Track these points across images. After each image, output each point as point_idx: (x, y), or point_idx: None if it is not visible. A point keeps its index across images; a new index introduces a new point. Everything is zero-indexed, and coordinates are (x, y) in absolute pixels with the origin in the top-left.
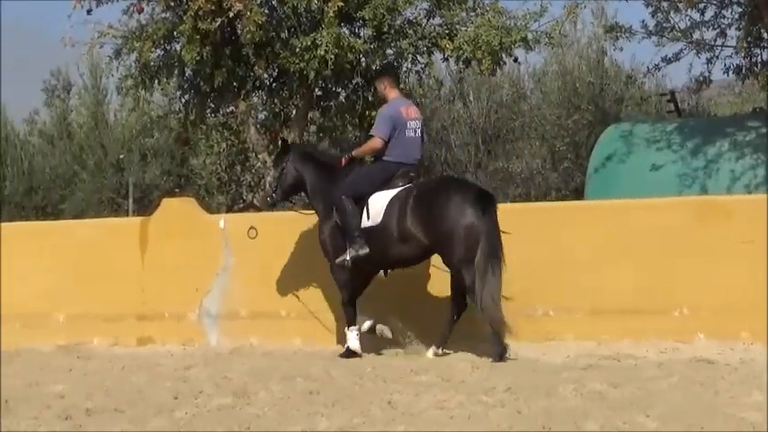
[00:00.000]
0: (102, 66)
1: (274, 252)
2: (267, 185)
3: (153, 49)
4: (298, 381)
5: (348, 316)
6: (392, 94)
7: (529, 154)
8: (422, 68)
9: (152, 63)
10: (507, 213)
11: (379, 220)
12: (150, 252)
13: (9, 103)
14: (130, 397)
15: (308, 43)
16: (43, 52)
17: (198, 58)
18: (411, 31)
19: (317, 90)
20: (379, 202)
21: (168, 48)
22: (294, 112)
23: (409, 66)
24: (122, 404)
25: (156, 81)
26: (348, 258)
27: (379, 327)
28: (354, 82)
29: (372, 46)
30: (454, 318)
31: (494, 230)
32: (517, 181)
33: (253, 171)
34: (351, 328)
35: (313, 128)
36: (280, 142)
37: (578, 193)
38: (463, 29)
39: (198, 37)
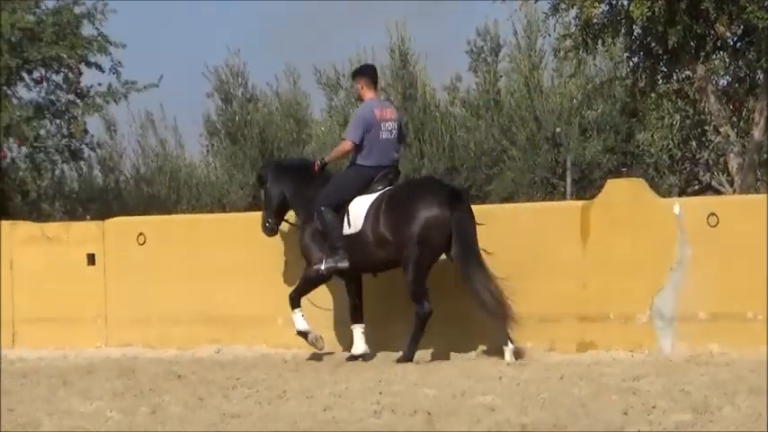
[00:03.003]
0: (538, 23)
1: (738, 242)
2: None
3: (596, 4)
4: None
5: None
6: (368, 94)
7: None
8: None
9: (595, 20)
10: None
11: (359, 226)
12: (592, 242)
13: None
14: (572, 412)
15: None
16: (469, 7)
17: (649, 13)
18: None
19: None
20: (358, 208)
21: (614, 2)
22: (762, 77)
23: None
24: (562, 420)
25: (600, 41)
26: (323, 268)
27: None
28: None
29: None
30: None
31: (464, 229)
32: None
33: (711, 147)
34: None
35: None
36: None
37: None
38: None
39: None
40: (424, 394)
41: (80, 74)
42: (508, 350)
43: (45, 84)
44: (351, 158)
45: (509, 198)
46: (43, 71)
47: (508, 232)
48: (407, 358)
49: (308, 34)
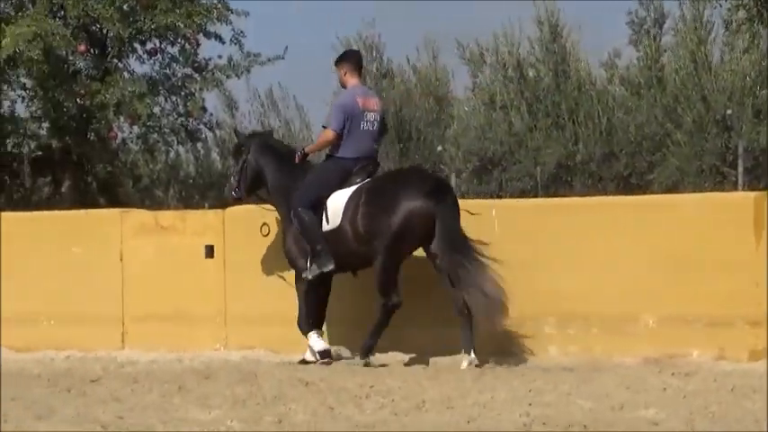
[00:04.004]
0: None
1: None
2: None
3: None
4: None
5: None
6: (351, 81)
7: None
8: None
9: None
10: None
11: (338, 221)
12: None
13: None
14: (744, 427)
15: None
16: None
17: None
18: None
19: None
20: (336, 203)
21: None
22: None
23: None
24: None
25: None
26: (310, 277)
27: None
28: None
29: None
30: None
31: (451, 221)
32: None
33: None
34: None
35: None
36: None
37: None
38: None
39: None
40: (579, 406)
41: (198, 45)
42: (467, 359)
43: (159, 56)
44: (328, 149)
45: (673, 188)
46: (157, 42)
47: (672, 225)
48: (367, 349)
49: (448, 5)
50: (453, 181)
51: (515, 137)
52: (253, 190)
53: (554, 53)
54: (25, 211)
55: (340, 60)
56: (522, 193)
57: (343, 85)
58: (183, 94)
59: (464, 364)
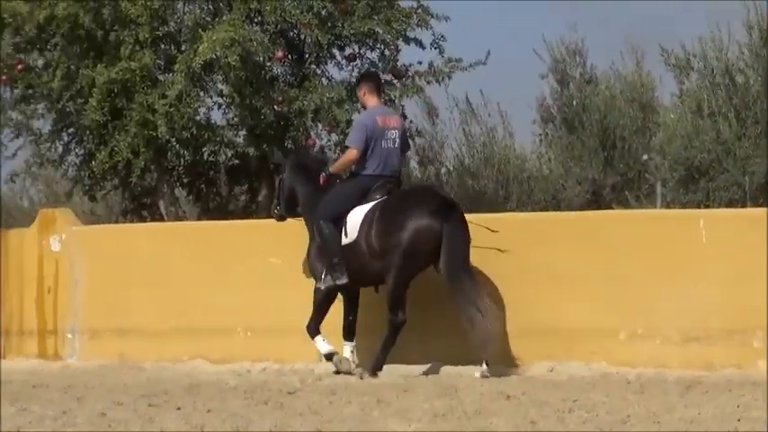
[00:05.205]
0: None
1: None
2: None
3: None
4: None
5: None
6: (371, 101)
7: None
8: None
9: None
10: None
11: (354, 236)
12: None
13: None
14: None
15: None
16: None
17: None
18: None
19: None
20: (355, 218)
21: None
22: None
23: None
24: None
25: None
26: (323, 287)
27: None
28: None
29: None
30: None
31: (456, 240)
32: None
33: None
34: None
35: None
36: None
37: None
38: None
39: None
40: None
41: (397, 51)
42: (480, 371)
43: (358, 62)
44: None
45: None
46: (356, 48)
47: None
48: (376, 368)
49: (650, 7)
50: (659, 190)
51: (723, 145)
52: (291, 208)
53: (764, 58)
54: (221, 219)
55: (360, 80)
56: (730, 203)
57: (363, 106)
58: (382, 100)
59: (477, 374)
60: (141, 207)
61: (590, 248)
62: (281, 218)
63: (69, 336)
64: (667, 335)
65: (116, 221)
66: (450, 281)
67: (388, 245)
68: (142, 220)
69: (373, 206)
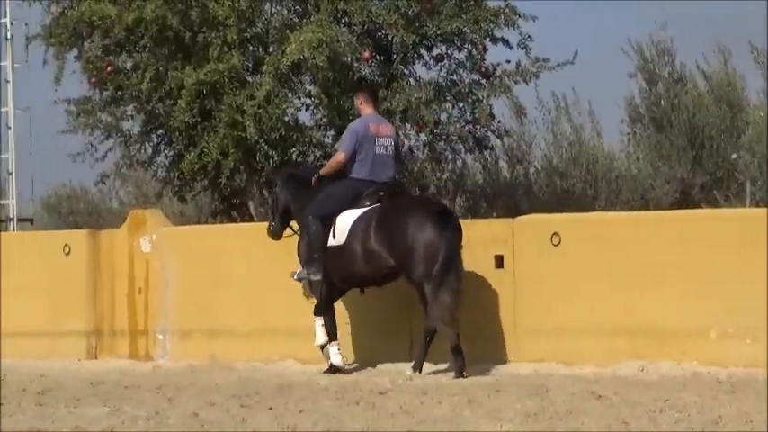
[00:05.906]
0: None
1: None
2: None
3: None
4: None
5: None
6: (366, 110)
7: None
8: None
9: None
10: None
11: (343, 239)
12: None
13: None
14: None
15: None
16: None
17: None
18: None
19: None
20: (344, 221)
21: None
22: None
23: None
24: None
25: None
26: (295, 278)
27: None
28: None
29: None
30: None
31: (452, 246)
32: None
33: None
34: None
35: None
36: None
37: None
38: None
39: None
40: None
41: (485, 50)
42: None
43: (446, 62)
44: (345, 171)
45: None
46: (444, 48)
47: None
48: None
49: (738, 6)
50: (748, 189)
51: None
52: (286, 221)
53: None
54: None
55: (357, 91)
56: None
57: (360, 114)
58: (470, 100)
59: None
60: (231, 208)
61: (681, 248)
62: (276, 236)
63: (160, 336)
64: (758, 334)
65: (206, 222)
66: (434, 283)
67: (400, 254)
68: (231, 220)
69: (368, 214)
